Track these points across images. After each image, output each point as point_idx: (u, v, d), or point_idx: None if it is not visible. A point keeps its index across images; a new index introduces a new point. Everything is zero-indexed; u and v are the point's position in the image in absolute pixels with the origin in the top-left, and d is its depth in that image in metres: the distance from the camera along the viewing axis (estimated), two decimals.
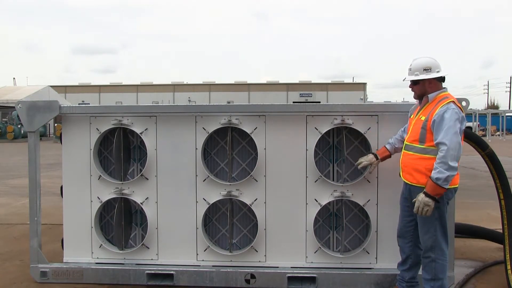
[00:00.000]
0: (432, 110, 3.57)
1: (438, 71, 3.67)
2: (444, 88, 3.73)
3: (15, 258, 5.27)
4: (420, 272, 3.88)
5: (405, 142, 3.82)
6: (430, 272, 3.64)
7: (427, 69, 3.66)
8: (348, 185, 4.24)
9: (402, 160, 3.80)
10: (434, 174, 3.41)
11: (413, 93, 3.80)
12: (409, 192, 3.73)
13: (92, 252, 4.49)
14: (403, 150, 3.82)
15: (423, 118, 3.65)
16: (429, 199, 3.43)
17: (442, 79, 3.72)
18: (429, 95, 3.68)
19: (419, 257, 3.82)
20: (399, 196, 3.93)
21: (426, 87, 3.68)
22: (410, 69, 3.74)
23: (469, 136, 4.42)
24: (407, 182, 3.73)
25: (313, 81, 63.94)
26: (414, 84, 3.73)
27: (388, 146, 4.05)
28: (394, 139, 4.05)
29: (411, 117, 3.88)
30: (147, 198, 4.43)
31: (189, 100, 53.30)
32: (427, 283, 3.66)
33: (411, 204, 3.65)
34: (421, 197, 3.47)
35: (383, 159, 4.05)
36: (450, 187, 3.51)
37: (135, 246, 4.50)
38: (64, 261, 4.50)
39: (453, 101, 3.54)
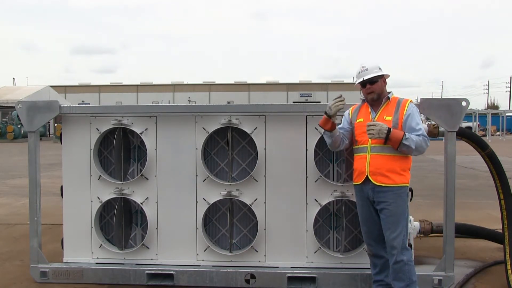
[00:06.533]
0: (400, 109, 3.60)
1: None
2: None
3: (15, 258, 5.27)
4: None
5: (370, 145, 3.59)
6: (404, 278, 3.52)
7: (380, 68, 3.69)
8: (348, 185, 4.23)
9: (371, 163, 3.57)
10: (410, 136, 3.45)
11: (369, 94, 3.67)
12: (379, 194, 3.57)
13: (92, 252, 4.49)
14: (369, 153, 3.59)
15: (388, 118, 3.59)
16: (386, 131, 3.41)
17: None
18: (389, 95, 3.69)
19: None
20: None
21: (382, 85, 3.69)
22: (366, 70, 3.65)
23: (469, 136, 4.43)
24: (379, 184, 3.54)
25: (313, 81, 64.06)
26: (373, 83, 3.64)
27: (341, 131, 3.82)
28: (343, 136, 3.82)
29: (360, 120, 3.73)
30: (147, 198, 4.43)
31: (189, 100, 53.36)
32: None
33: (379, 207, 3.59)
34: (381, 125, 3.44)
35: (333, 129, 3.73)
36: (404, 185, 3.56)
37: (135, 246, 4.50)
38: (64, 261, 4.50)
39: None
